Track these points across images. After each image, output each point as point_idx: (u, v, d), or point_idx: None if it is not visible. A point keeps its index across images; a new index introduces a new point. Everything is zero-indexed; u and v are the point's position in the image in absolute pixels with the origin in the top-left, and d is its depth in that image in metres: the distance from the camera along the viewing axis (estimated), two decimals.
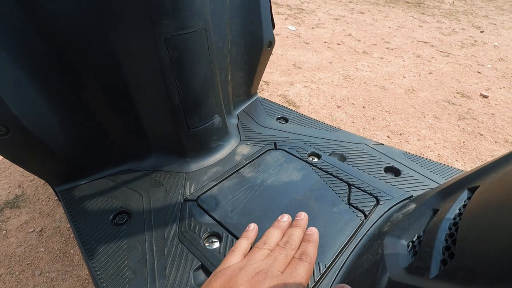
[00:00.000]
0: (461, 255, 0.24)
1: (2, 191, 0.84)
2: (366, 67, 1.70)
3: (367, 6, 3.09)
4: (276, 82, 1.46)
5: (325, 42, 2.01)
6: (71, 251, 0.72)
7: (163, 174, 0.53)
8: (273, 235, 0.30)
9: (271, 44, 0.67)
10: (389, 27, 2.48)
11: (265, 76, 1.50)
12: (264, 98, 0.79)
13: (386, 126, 1.19)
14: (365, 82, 1.52)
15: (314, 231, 0.31)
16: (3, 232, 0.75)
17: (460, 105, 1.38)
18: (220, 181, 0.51)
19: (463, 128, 1.22)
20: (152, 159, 0.56)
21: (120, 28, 0.42)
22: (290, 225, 0.34)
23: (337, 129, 0.66)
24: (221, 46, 0.58)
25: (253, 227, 0.33)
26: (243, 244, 0.30)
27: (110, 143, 0.51)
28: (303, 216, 0.35)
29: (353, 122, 1.20)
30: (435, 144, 1.11)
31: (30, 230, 0.75)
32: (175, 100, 0.49)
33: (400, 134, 1.15)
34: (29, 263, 0.68)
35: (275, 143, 0.60)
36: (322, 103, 1.31)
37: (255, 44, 0.66)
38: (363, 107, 1.31)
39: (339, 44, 2.00)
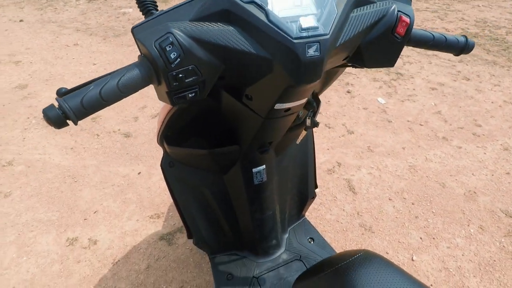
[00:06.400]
0: None
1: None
2: (438, 158, 1.91)
3: (478, 68, 2.99)
4: (347, 164, 1.89)
5: (408, 121, 2.26)
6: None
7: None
8: None
9: (313, 198, 1.16)
10: (493, 102, 2.45)
11: (340, 157, 1.94)
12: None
13: (424, 227, 1.49)
14: (427, 176, 1.78)
15: None
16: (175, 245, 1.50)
17: None
18: None
19: (503, 246, 1.38)
20: (245, 252, 1.10)
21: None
22: None
23: None
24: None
25: None
26: None
27: (228, 236, 1.11)
28: None
29: (396, 217, 1.54)
30: (462, 255, 1.35)
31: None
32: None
33: (433, 238, 1.43)
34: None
35: None
36: (377, 193, 1.68)
37: (299, 198, 1.13)
38: (412, 204, 1.61)
39: (421, 125, 2.22)
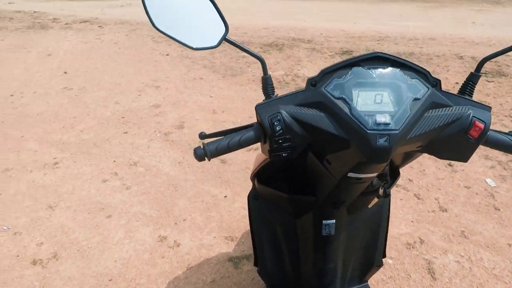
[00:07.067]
0: None
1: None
2: None
3: None
4: (431, 244, 1.72)
5: None
6: None
7: None
8: None
9: (379, 267, 1.13)
10: None
11: (424, 233, 1.78)
12: None
13: None
14: None
15: None
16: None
17: None
18: None
19: None
20: None
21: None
22: None
23: None
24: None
25: None
26: None
27: (289, 275, 1.18)
28: None
29: None
30: None
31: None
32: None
33: None
34: None
35: None
36: (463, 287, 1.46)
37: (364, 262, 1.10)
38: None
39: None
